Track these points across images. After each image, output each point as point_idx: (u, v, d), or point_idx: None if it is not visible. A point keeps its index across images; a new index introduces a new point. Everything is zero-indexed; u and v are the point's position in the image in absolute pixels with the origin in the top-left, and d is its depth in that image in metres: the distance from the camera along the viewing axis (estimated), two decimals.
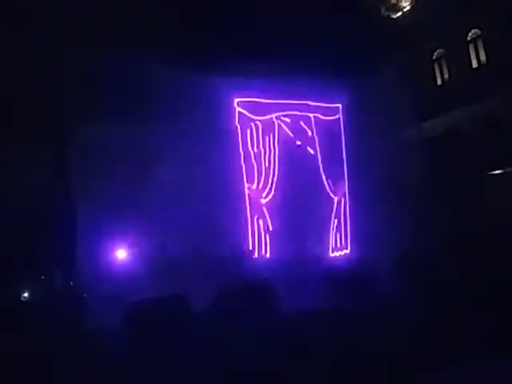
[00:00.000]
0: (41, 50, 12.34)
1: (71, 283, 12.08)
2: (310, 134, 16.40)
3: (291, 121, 16.21)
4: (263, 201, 15.28)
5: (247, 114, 15.39)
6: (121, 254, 12.92)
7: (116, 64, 12.38)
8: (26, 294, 11.94)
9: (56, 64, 12.56)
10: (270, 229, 15.15)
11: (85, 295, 11.61)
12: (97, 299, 11.23)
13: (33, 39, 12.27)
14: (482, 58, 15.81)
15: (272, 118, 15.75)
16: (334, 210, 16.35)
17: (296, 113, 16.19)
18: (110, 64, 12.33)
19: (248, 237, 14.93)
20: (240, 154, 15.02)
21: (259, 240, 15.10)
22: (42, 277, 12.27)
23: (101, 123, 12.48)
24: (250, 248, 14.78)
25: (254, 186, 15.23)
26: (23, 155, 11.87)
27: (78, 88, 12.54)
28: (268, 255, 15.12)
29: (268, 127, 15.63)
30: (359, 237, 15.83)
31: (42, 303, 11.79)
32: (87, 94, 12.48)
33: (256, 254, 14.95)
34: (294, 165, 15.91)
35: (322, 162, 16.53)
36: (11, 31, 12.07)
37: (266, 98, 15.68)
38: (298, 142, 15.96)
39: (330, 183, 16.55)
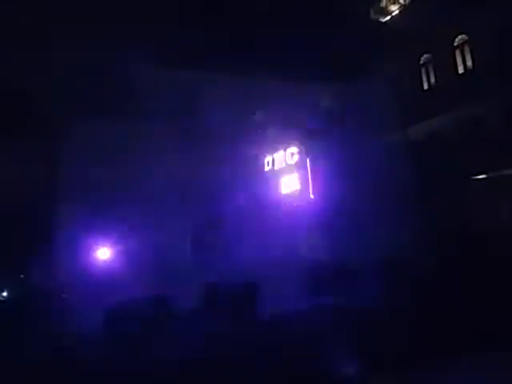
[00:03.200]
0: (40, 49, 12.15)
1: (51, 283, 11.88)
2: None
3: None
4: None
5: None
6: (103, 253, 12.78)
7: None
8: (4, 293, 11.73)
9: (52, 62, 12.42)
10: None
11: (64, 295, 11.43)
12: (77, 299, 11.07)
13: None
14: (469, 63, 15.93)
15: None
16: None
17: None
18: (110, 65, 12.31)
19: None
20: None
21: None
22: (21, 275, 12.05)
23: (88, 122, 12.38)
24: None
25: None
26: (5, 150, 11.64)
27: (71, 86, 12.45)
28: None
29: None
30: (343, 239, 15.84)
31: (20, 302, 11.59)
32: (81, 92, 12.39)
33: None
34: None
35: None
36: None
37: None
38: None
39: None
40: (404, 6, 16.74)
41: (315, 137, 16.34)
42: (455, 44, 16.26)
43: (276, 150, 16.27)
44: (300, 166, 16.24)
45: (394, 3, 16.83)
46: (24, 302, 11.35)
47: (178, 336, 9.70)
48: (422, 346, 7.35)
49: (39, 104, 12.49)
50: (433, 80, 17.25)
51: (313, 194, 16.15)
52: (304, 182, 16.18)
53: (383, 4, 17.05)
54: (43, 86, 12.38)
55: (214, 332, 9.90)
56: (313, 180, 16.29)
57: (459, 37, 16.12)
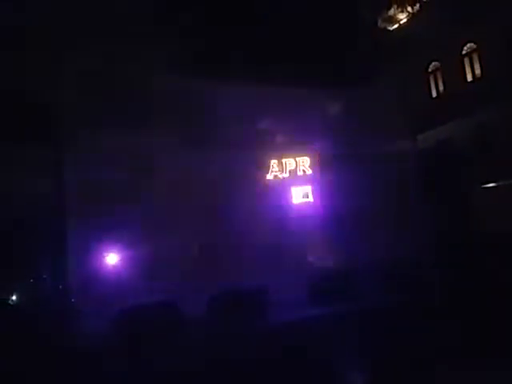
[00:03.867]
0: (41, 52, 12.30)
1: (60, 287, 11.98)
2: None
3: None
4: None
5: None
6: (111, 258, 12.86)
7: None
8: (14, 297, 11.84)
9: (55, 66, 12.56)
10: None
11: (73, 299, 11.52)
12: (86, 303, 11.15)
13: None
14: (477, 71, 15.91)
15: None
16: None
17: None
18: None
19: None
20: None
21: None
22: (31, 280, 12.17)
23: (96, 130, 12.51)
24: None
25: None
26: (12, 157, 11.78)
27: (78, 94, 12.60)
28: None
29: None
30: (353, 247, 15.79)
31: (30, 306, 11.70)
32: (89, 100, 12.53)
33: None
34: None
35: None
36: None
37: None
38: None
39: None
40: (412, 14, 16.77)
41: (324, 144, 16.36)
42: (464, 52, 16.25)
43: (285, 157, 16.33)
44: (310, 175, 16.38)
45: (402, 12, 16.88)
46: (33, 306, 11.45)
47: (187, 339, 9.80)
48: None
49: (48, 113, 12.64)
50: (441, 88, 17.24)
51: (322, 200, 16.23)
52: (315, 191, 16.32)
53: (391, 12, 17.10)
54: (51, 95, 12.55)
55: (222, 336, 9.97)
56: (322, 189, 16.40)
57: (468, 45, 16.11)
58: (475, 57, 15.98)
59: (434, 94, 17.54)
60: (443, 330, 8.52)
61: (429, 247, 14.42)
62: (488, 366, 6.55)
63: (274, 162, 16.34)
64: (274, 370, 7.42)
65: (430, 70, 17.59)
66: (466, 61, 16.21)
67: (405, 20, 17.07)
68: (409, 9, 16.62)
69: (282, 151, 16.28)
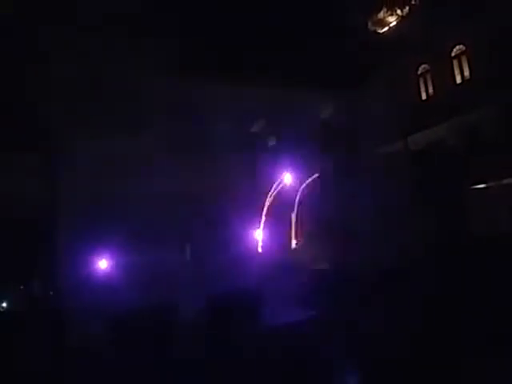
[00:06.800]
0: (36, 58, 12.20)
1: (51, 293, 11.82)
2: None
3: None
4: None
5: None
6: (103, 263, 12.73)
7: None
8: (3, 304, 11.64)
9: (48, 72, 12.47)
10: None
11: (64, 306, 11.34)
12: (76, 310, 11.00)
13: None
14: (466, 73, 16.07)
15: None
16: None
17: None
18: None
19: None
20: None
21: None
22: (21, 287, 11.98)
23: (88, 135, 12.43)
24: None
25: None
26: (5, 162, 11.63)
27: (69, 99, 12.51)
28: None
29: None
30: (344, 250, 15.82)
31: (20, 313, 11.49)
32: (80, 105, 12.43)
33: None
34: None
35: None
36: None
37: None
38: None
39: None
40: (402, 17, 16.91)
41: (315, 149, 16.40)
42: (453, 54, 16.43)
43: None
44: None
45: (391, 14, 17.01)
46: (24, 312, 11.27)
47: (180, 343, 9.71)
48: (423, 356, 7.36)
49: (38, 117, 12.52)
50: (431, 90, 17.38)
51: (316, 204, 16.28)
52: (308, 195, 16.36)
53: (381, 15, 17.21)
54: (42, 98, 12.44)
55: (213, 343, 9.90)
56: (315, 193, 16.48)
57: (456, 47, 16.29)
58: (464, 59, 16.16)
59: (424, 97, 17.68)
60: (438, 334, 8.51)
61: (422, 248, 14.46)
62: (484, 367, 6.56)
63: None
64: (269, 373, 7.39)
65: (419, 72, 17.74)
66: (455, 63, 16.38)
67: (394, 23, 17.20)
68: (398, 11, 16.75)
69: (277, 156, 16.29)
